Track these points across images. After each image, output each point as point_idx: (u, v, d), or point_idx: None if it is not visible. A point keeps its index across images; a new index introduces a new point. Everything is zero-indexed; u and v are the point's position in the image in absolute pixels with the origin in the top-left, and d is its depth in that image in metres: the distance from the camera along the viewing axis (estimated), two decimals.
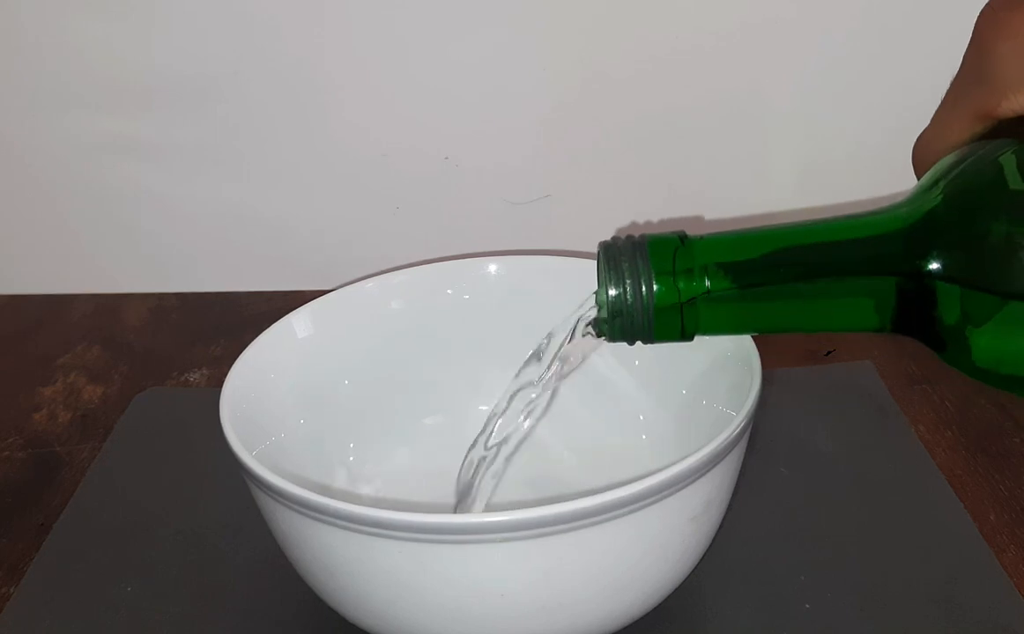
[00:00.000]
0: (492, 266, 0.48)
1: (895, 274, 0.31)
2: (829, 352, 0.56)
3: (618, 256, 0.32)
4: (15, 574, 0.42)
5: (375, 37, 0.60)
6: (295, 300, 0.45)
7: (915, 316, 0.31)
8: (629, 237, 0.33)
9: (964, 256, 0.30)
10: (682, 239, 0.32)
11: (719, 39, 0.60)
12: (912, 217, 0.31)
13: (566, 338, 0.36)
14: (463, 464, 0.38)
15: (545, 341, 0.37)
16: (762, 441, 0.43)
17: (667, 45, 0.61)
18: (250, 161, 0.64)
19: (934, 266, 0.30)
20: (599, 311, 0.33)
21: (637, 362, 0.44)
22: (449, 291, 0.47)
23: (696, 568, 0.36)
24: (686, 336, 0.32)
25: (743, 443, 0.35)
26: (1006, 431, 0.49)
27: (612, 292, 0.32)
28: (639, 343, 0.33)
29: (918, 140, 0.35)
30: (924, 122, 0.35)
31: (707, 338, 0.41)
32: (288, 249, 0.66)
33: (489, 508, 0.38)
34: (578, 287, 0.46)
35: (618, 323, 0.32)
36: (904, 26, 0.59)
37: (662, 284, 0.32)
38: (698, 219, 0.63)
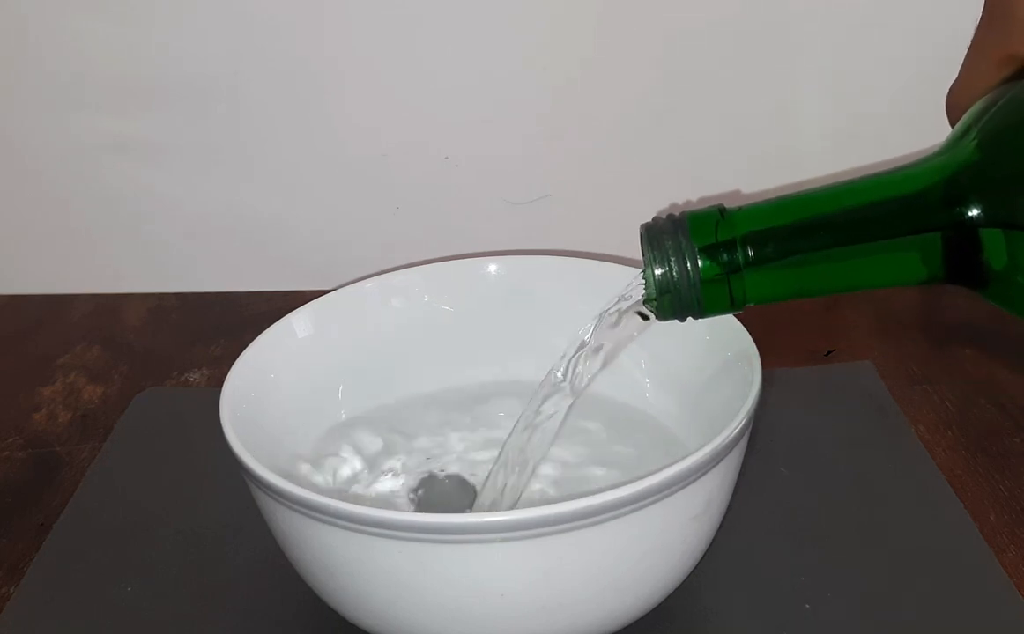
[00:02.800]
0: (492, 266, 0.48)
1: (937, 226, 0.31)
2: (829, 352, 0.56)
3: (660, 235, 0.32)
4: (15, 574, 0.42)
5: (375, 37, 0.60)
6: (295, 300, 0.45)
7: (963, 265, 0.31)
8: (669, 215, 0.33)
9: (1004, 199, 0.30)
10: (722, 212, 0.32)
11: (723, 30, 0.60)
12: (947, 166, 0.31)
13: (600, 325, 0.36)
14: (488, 477, 0.38)
15: (580, 339, 0.37)
16: (762, 441, 0.43)
17: (668, 45, 0.61)
18: (250, 161, 0.64)
19: (975, 213, 0.30)
20: (647, 291, 0.33)
21: (637, 362, 0.45)
22: (449, 291, 0.47)
23: (696, 568, 0.36)
24: (736, 306, 0.32)
25: (743, 443, 0.35)
26: (1006, 431, 0.49)
27: (658, 271, 0.32)
28: (690, 319, 0.33)
29: (950, 90, 0.35)
30: (954, 71, 0.35)
31: (707, 339, 0.41)
32: (288, 249, 0.66)
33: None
34: (578, 287, 0.47)
35: (667, 300, 0.32)
36: None
37: (706, 257, 0.32)
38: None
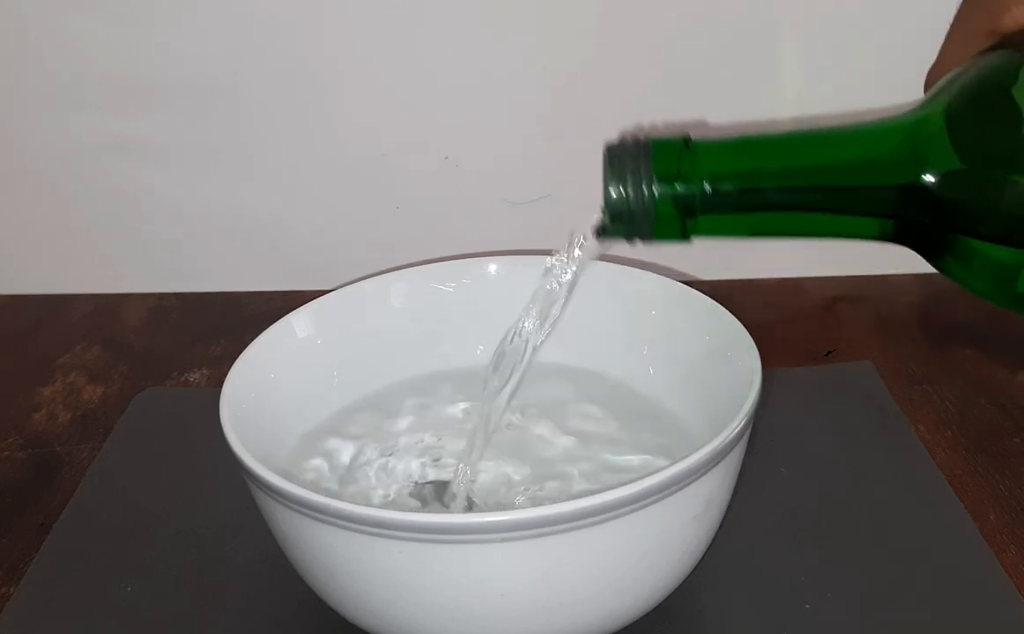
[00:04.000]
0: (492, 266, 0.48)
1: (893, 186, 0.31)
2: (829, 352, 0.56)
3: (622, 157, 0.32)
4: (15, 574, 0.42)
5: (375, 37, 0.60)
6: (295, 300, 0.45)
7: (914, 227, 0.31)
8: (635, 138, 0.33)
9: (958, 171, 0.30)
10: (686, 142, 0.32)
11: (723, 30, 0.60)
12: (911, 127, 0.31)
13: (568, 250, 0.37)
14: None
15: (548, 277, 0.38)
16: (762, 441, 0.43)
17: (668, 45, 0.61)
18: (250, 161, 0.64)
19: (928, 180, 0.30)
20: (603, 212, 0.34)
21: (639, 361, 0.45)
22: (449, 291, 0.47)
23: (696, 568, 0.36)
24: (685, 237, 0.32)
25: (743, 442, 0.35)
26: (1006, 431, 0.49)
27: (614, 194, 0.32)
28: (638, 242, 0.33)
29: (930, 70, 0.35)
30: (930, 36, 0.34)
31: (707, 338, 0.41)
32: (288, 249, 0.66)
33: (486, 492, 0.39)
34: (578, 287, 0.46)
35: (620, 223, 0.33)
36: None
37: (663, 187, 0.32)
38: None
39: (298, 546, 0.34)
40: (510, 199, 0.64)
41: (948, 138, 0.30)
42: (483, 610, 0.32)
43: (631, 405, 0.44)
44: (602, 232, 0.34)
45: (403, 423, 0.44)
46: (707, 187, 0.32)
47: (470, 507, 0.39)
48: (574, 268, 0.37)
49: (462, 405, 0.45)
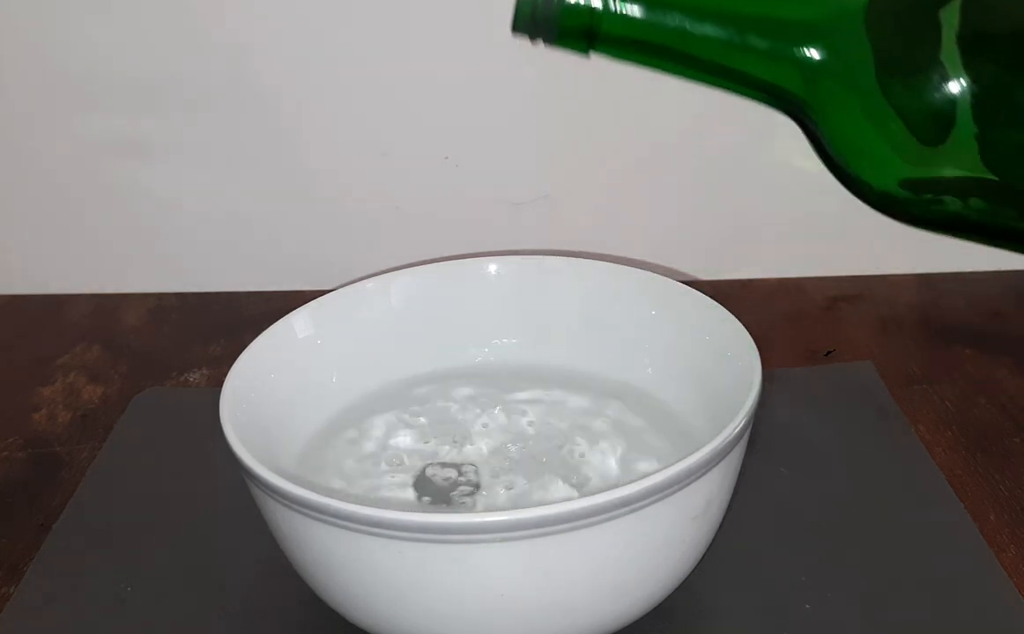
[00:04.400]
0: (492, 266, 0.48)
1: (799, 53, 0.31)
2: (829, 352, 0.56)
3: None
4: (15, 574, 0.42)
5: (375, 36, 0.60)
6: (295, 300, 0.45)
7: (796, 106, 0.31)
8: None
9: (869, 55, 0.30)
10: None
11: None
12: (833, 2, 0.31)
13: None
14: None
15: None
16: (762, 441, 0.43)
17: None
18: (250, 161, 0.64)
19: (819, 56, 0.30)
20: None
21: (638, 361, 0.45)
22: (449, 291, 0.47)
23: (696, 568, 0.36)
24: (584, 52, 0.33)
25: (743, 443, 0.35)
26: (1006, 431, 0.49)
27: None
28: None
29: None
30: None
31: (706, 338, 0.41)
32: (288, 249, 0.66)
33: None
34: (578, 287, 0.47)
35: (526, 17, 0.33)
36: None
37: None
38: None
39: (298, 546, 0.34)
40: (510, 199, 0.64)
41: (864, 26, 0.30)
42: (483, 610, 0.32)
43: (630, 405, 0.44)
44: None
45: (404, 422, 0.44)
46: (614, 5, 0.32)
47: (475, 483, 0.39)
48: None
49: (462, 404, 0.45)
